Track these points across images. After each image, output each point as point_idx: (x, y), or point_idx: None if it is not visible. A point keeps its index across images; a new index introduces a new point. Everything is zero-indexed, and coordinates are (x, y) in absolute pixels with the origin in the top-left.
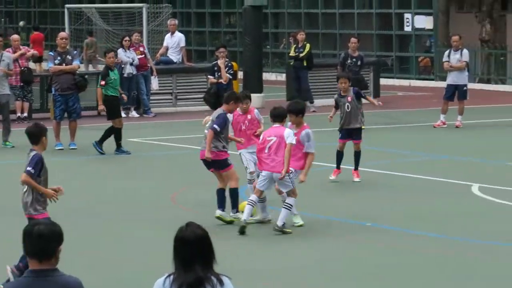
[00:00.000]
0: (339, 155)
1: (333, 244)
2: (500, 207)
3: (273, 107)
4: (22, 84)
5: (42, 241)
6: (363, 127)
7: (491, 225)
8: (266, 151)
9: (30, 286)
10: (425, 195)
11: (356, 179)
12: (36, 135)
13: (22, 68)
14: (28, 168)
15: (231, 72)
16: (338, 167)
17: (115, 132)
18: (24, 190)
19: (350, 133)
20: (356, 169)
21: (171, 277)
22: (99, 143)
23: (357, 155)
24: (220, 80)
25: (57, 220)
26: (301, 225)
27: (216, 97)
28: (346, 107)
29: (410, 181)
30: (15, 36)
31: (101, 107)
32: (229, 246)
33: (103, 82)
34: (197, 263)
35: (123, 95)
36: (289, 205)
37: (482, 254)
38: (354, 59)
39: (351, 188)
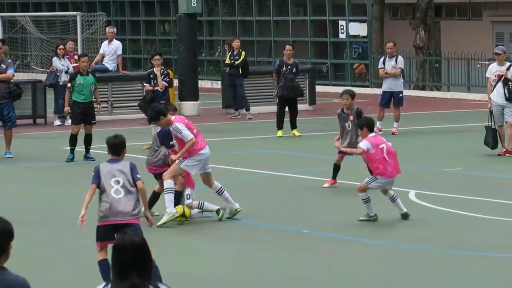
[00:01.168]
0: (336, 168)
1: (274, 251)
2: (436, 213)
3: (364, 117)
4: None
5: None
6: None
7: (426, 231)
8: (387, 157)
9: None
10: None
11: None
12: (122, 146)
13: None
14: (139, 176)
15: (167, 79)
16: (334, 178)
17: (70, 138)
18: (120, 196)
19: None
20: None
21: (109, 285)
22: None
23: None
24: (156, 88)
25: None
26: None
27: (152, 104)
28: (347, 126)
29: (347, 187)
30: None
31: (65, 109)
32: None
33: (69, 85)
34: (134, 271)
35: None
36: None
37: (416, 260)
38: (289, 67)
39: (290, 195)
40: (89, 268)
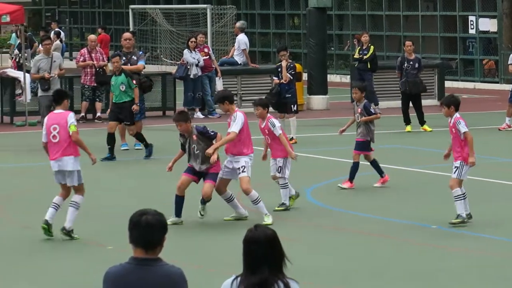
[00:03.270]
0: (375, 164)
1: (401, 247)
2: None
3: (452, 95)
4: (95, 85)
5: (150, 231)
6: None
7: None
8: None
9: (132, 273)
10: (489, 197)
11: (344, 186)
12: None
13: (98, 70)
14: None
15: (292, 72)
16: (381, 175)
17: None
18: None
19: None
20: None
21: (239, 278)
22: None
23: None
24: (281, 81)
25: (120, 219)
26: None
27: (278, 97)
28: (356, 118)
29: (475, 184)
30: (92, 37)
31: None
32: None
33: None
34: (265, 264)
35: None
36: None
37: None
38: (411, 62)
39: (415, 191)
40: (215, 262)
